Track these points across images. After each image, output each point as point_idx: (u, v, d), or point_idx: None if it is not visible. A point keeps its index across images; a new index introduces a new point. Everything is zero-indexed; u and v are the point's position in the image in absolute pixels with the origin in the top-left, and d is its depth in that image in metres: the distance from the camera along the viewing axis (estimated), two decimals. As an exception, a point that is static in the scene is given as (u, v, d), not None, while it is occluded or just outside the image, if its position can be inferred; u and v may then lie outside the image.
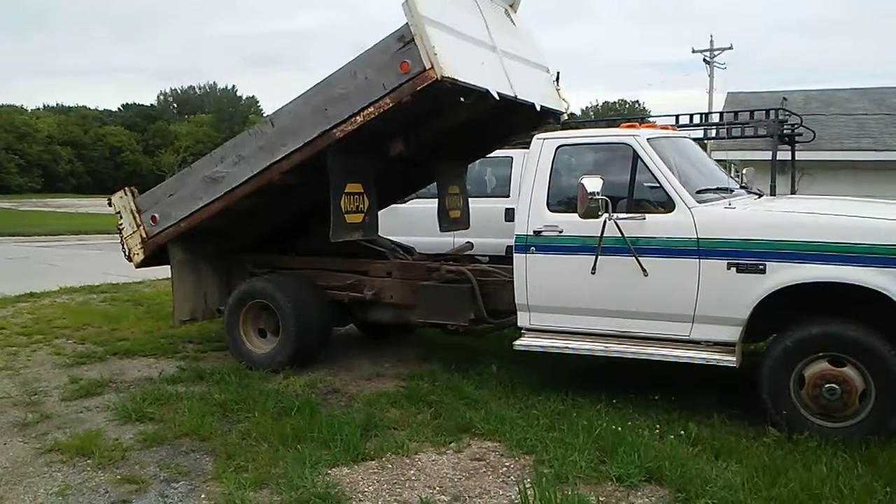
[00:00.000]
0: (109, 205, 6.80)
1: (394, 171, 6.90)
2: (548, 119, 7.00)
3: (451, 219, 7.52)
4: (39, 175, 65.90)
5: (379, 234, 7.31)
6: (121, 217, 6.69)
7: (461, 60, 5.25)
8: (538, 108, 6.34)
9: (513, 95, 5.88)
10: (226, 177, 6.03)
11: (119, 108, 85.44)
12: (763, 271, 4.57)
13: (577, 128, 8.53)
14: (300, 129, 5.66)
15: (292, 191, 6.45)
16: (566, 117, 7.07)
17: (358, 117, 5.38)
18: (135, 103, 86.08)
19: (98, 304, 9.72)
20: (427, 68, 4.99)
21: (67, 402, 5.45)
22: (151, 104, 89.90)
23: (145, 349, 7.06)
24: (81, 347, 7.22)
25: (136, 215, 6.59)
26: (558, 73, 7.04)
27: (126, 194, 6.68)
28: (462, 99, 5.41)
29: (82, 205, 44.01)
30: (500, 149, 8.02)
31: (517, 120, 6.82)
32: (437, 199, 9.65)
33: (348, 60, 5.52)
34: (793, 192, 10.63)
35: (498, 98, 5.61)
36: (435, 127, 6.32)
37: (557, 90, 7.00)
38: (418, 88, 5.09)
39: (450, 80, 5.05)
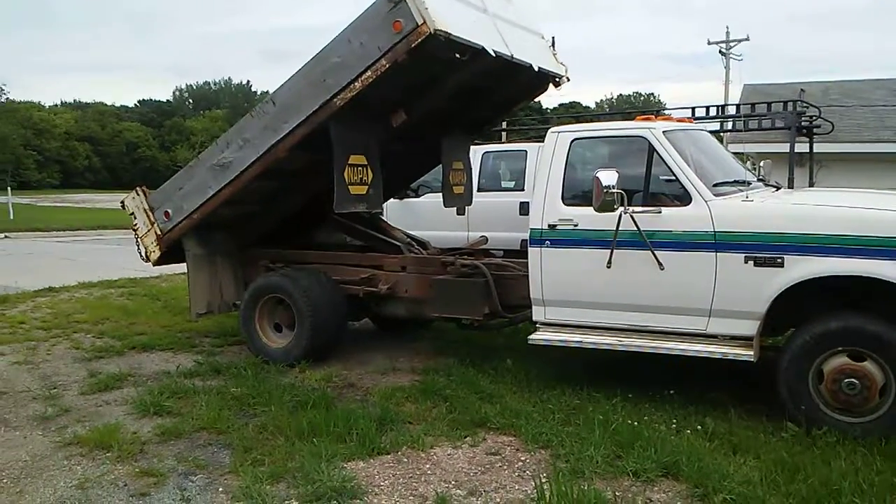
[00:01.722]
0: (123, 207, 6.86)
1: (399, 149, 6.98)
2: (547, 83, 7.02)
3: (455, 194, 7.58)
4: (57, 171, 66.58)
5: (396, 226, 7.36)
6: (135, 217, 6.75)
7: (452, 16, 5.29)
8: (536, 69, 6.34)
9: (509, 54, 5.89)
10: (233, 162, 6.08)
11: (136, 104, 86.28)
12: (781, 265, 4.52)
13: (591, 121, 8.47)
14: (301, 104, 5.70)
15: (300, 174, 6.50)
16: (567, 80, 7.04)
17: (356, 83, 5.42)
18: (151, 99, 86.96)
19: (116, 299, 9.81)
20: (419, 24, 5.04)
21: (86, 396, 5.50)
22: (167, 100, 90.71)
23: (163, 343, 7.12)
24: (100, 341, 7.28)
25: (150, 213, 6.64)
26: (553, 38, 7.02)
27: (138, 194, 6.74)
28: (458, 55, 5.43)
29: (100, 200, 44.38)
30: (504, 119, 7.96)
31: (517, 86, 6.84)
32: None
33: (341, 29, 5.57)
34: (811, 185, 10.52)
35: (494, 55, 5.64)
36: (435, 94, 6.35)
37: (554, 55, 6.98)
38: (413, 45, 5.12)
39: (443, 33, 5.08)
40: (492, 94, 6.94)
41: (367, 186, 6.18)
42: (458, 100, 6.69)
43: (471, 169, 7.94)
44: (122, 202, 6.87)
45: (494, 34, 5.85)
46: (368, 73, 5.35)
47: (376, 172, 6.27)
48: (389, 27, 5.19)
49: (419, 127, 6.67)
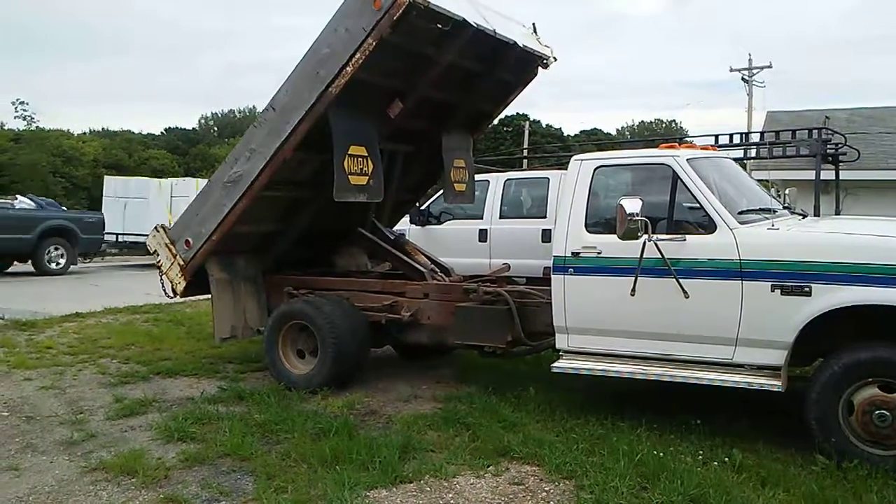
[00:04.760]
0: (146, 247, 7.02)
1: (402, 151, 7.34)
2: (536, 66, 7.23)
3: (457, 191, 7.70)
4: (85, 197, 67.55)
5: (421, 250, 7.43)
6: (157, 254, 6.88)
7: None
8: (521, 46, 6.59)
9: (491, 29, 6.15)
10: (243, 174, 6.21)
11: (162, 132, 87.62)
12: (809, 294, 4.47)
13: (613, 148, 8.50)
14: (300, 102, 5.87)
15: (310, 184, 6.69)
16: (554, 60, 7.22)
17: (348, 67, 5.61)
18: (177, 127, 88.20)
19: (142, 325, 9.91)
20: None
21: (112, 421, 5.54)
22: (193, 128, 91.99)
23: (187, 369, 7.17)
24: (126, 367, 7.35)
25: (171, 246, 6.76)
26: (534, 24, 7.22)
27: (158, 231, 6.90)
28: (439, 26, 5.68)
29: (126, 226, 44.95)
30: (504, 108, 8.02)
31: (506, 69, 7.06)
32: (471, 219, 9.75)
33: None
34: (837, 213, 10.43)
35: (475, 26, 5.90)
36: (428, 79, 6.54)
37: (538, 39, 7.14)
38: (395, 18, 5.36)
39: (422, 2, 5.32)
40: (484, 80, 7.14)
41: (367, 177, 6.32)
42: (452, 88, 6.96)
43: (473, 168, 8.04)
44: (146, 242, 7.03)
45: (475, 12, 6.09)
46: (358, 55, 5.55)
47: (377, 164, 6.42)
48: (370, 7, 5.44)
49: (418, 121, 6.94)
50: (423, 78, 6.54)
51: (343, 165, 6.07)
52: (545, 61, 7.16)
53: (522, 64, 7.13)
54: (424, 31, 5.79)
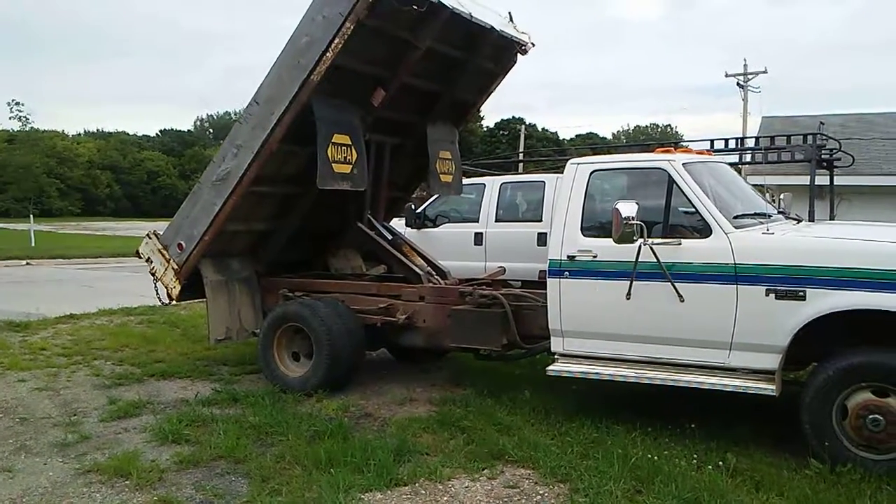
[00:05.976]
0: (139, 256, 7.01)
1: (388, 143, 7.39)
2: (514, 52, 7.33)
3: (443, 182, 7.74)
4: (79, 199, 67.44)
5: (419, 250, 7.44)
6: (151, 261, 6.88)
7: None
8: (498, 30, 6.69)
9: (467, 13, 6.24)
10: (231, 171, 6.24)
11: (157, 134, 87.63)
12: (803, 298, 4.48)
13: (609, 152, 8.54)
14: (283, 92, 5.93)
15: (298, 179, 6.72)
16: (532, 45, 7.30)
17: (328, 53, 5.69)
18: (172, 129, 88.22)
19: (136, 326, 9.88)
20: None
21: (106, 423, 5.53)
22: (188, 130, 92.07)
23: (181, 371, 7.15)
24: (119, 369, 7.33)
25: (164, 252, 6.76)
26: (510, 13, 7.29)
27: (151, 238, 6.90)
28: (415, 7, 5.73)
29: (120, 228, 44.89)
30: (487, 97, 8.05)
31: (485, 55, 7.14)
32: (467, 222, 9.76)
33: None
34: (832, 218, 10.47)
35: (450, 8, 5.99)
36: (409, 65, 6.60)
37: (514, 27, 7.21)
38: (370, 1, 5.46)
39: None
40: (464, 68, 7.20)
41: (350, 166, 6.38)
42: (433, 76, 7.04)
43: (459, 160, 8.09)
44: (137, 251, 7.02)
45: None
46: (337, 39, 5.62)
47: (360, 153, 6.49)
48: None
49: (403, 112, 7.02)
50: (404, 65, 6.58)
51: (327, 154, 6.12)
52: (524, 47, 7.24)
53: (501, 50, 7.21)
54: (401, 14, 5.85)
